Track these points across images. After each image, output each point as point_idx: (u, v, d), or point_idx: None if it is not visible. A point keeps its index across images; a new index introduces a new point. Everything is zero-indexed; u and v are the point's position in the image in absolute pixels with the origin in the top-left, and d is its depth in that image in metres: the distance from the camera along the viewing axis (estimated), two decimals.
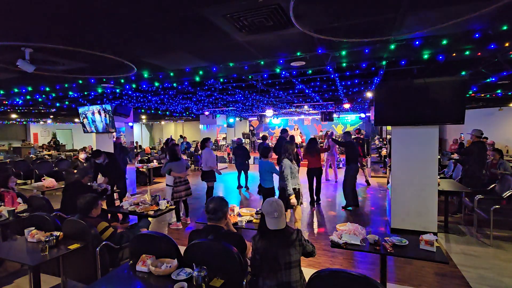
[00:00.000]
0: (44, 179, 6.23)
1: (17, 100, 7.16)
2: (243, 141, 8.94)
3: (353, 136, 8.53)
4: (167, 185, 5.67)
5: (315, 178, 6.50)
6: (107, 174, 5.55)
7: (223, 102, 9.36)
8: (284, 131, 7.94)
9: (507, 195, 4.57)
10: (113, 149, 7.38)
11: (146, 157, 11.63)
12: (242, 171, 8.51)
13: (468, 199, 5.12)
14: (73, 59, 3.57)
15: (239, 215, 3.57)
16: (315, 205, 6.51)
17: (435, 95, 4.26)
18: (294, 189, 4.11)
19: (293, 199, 4.03)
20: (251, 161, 13.37)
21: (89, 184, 4.55)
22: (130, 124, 8.67)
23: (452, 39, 3.09)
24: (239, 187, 8.58)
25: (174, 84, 5.53)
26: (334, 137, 8.20)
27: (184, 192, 5.28)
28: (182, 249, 2.30)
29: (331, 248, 3.12)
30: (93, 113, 7.51)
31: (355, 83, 5.88)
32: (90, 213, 3.02)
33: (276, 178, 4.49)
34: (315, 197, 6.61)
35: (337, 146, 9.77)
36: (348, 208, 6.14)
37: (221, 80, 5.18)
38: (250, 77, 5.01)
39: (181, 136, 13.53)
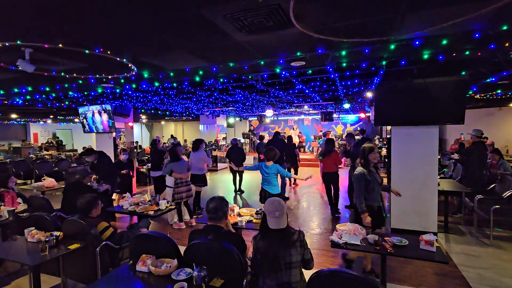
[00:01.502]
0: (44, 179, 6.23)
1: (17, 100, 7.17)
2: (237, 141, 8.18)
3: (357, 137, 8.33)
4: (167, 186, 5.50)
5: (331, 184, 5.80)
6: (96, 172, 5.49)
7: (223, 102, 9.36)
8: (277, 132, 7.86)
9: (507, 195, 4.57)
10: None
11: (146, 157, 11.63)
12: (237, 174, 8.00)
13: (468, 199, 5.12)
14: (73, 59, 3.58)
15: (239, 215, 3.57)
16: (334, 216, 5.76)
17: (435, 95, 4.26)
18: (371, 206, 3.18)
19: (367, 218, 3.08)
20: (250, 161, 13.41)
21: (89, 184, 4.55)
22: (130, 124, 8.66)
23: (452, 39, 3.10)
24: (236, 191, 8.06)
25: (174, 84, 5.53)
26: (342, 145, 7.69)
27: (185, 193, 5.14)
28: (182, 249, 2.31)
29: (331, 248, 3.12)
30: (93, 113, 7.52)
31: (355, 83, 5.88)
32: (90, 213, 3.01)
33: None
34: (332, 207, 5.87)
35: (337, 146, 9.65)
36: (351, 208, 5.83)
37: (221, 80, 5.18)
38: (250, 77, 5.01)
39: (172, 136, 13.44)
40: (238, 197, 7.76)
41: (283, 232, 2.09)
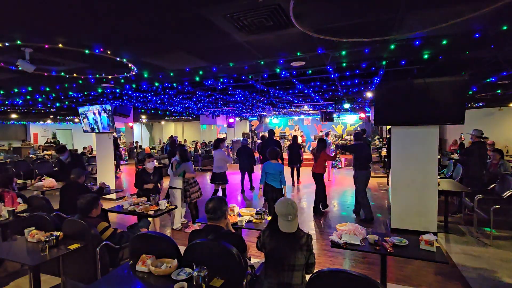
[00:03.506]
0: (44, 179, 6.22)
1: (17, 100, 7.17)
2: (248, 142, 8.36)
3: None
4: (173, 188, 5.00)
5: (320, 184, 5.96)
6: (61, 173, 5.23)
7: (223, 102, 9.37)
8: (272, 132, 7.87)
9: (507, 195, 4.57)
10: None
11: None
12: (246, 173, 8.03)
13: (468, 199, 5.12)
14: (73, 59, 3.58)
15: (239, 215, 3.57)
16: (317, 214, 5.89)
17: (435, 95, 4.26)
18: None
19: None
20: None
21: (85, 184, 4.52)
22: (130, 124, 8.66)
23: (452, 39, 3.10)
24: (243, 191, 8.05)
25: (174, 84, 5.53)
26: (338, 142, 7.90)
27: (199, 192, 5.08)
28: (182, 249, 2.31)
29: (331, 248, 3.12)
30: (93, 113, 7.52)
31: (355, 83, 5.88)
32: (90, 213, 3.02)
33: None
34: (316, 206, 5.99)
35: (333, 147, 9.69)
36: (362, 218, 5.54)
37: (221, 80, 5.18)
38: (250, 77, 5.01)
39: (172, 137, 13.51)
40: (245, 200, 7.63)
41: (292, 235, 2.05)
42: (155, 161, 9.95)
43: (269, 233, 2.13)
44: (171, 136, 13.83)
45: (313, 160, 6.09)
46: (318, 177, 5.95)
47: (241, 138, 15.36)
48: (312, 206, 6.27)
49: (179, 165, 4.99)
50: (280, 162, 4.87)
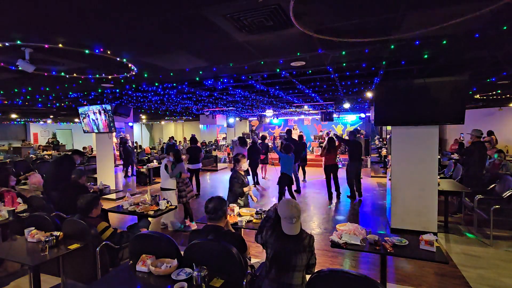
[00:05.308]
0: (30, 175, 6.19)
1: (17, 100, 7.17)
2: (256, 140, 9.07)
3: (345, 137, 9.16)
4: (166, 189, 5.09)
5: (331, 174, 7.09)
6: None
7: (223, 102, 9.36)
8: (289, 131, 8.52)
9: (507, 195, 4.57)
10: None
11: (146, 157, 11.62)
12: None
13: (468, 199, 5.12)
14: (73, 59, 3.57)
15: (239, 215, 3.57)
16: (335, 199, 7.05)
17: (435, 95, 4.26)
18: None
19: None
20: None
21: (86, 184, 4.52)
22: (130, 124, 8.66)
23: (452, 39, 3.09)
24: (257, 183, 8.80)
25: (174, 84, 5.53)
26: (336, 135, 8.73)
27: (193, 191, 5.40)
28: (182, 249, 2.30)
29: (331, 248, 3.12)
30: (94, 113, 7.51)
31: (355, 83, 5.88)
32: (90, 213, 3.02)
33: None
34: (334, 192, 7.14)
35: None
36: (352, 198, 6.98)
37: (221, 80, 5.17)
38: (250, 77, 5.01)
39: (172, 138, 13.53)
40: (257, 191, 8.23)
41: (296, 237, 2.03)
42: (155, 161, 10.11)
43: (272, 233, 2.11)
44: (172, 137, 13.83)
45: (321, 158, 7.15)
46: (333, 168, 7.02)
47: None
48: (311, 206, 6.33)
49: (174, 166, 5.02)
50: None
